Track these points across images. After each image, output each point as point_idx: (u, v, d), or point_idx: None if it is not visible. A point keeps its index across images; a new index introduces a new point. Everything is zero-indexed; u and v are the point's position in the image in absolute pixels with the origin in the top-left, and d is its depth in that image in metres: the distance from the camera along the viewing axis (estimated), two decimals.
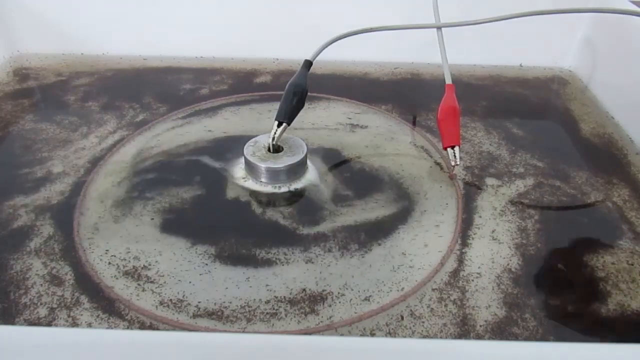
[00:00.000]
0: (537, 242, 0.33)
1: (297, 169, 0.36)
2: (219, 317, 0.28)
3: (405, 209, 0.35)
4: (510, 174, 0.38)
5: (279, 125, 0.36)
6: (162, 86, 0.49)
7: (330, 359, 0.20)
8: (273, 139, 0.36)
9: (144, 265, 0.30)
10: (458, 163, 0.36)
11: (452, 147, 0.36)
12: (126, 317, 0.27)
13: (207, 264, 0.30)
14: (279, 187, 0.36)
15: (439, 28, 0.39)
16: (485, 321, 0.28)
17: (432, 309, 0.28)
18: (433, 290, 0.29)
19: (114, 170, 0.38)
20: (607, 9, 0.39)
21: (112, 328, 0.27)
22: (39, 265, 0.30)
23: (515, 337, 0.27)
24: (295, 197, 0.35)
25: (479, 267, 0.31)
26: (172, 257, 0.31)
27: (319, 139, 0.41)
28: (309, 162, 0.38)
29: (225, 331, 0.27)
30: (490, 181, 0.38)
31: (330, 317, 0.28)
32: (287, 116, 0.36)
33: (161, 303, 0.28)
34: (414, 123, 0.44)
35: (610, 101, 0.47)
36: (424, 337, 0.27)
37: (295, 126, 0.38)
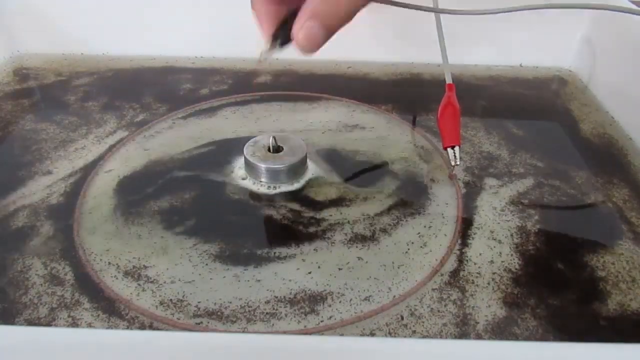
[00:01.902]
0: (537, 242, 0.33)
1: (297, 169, 0.36)
2: (219, 317, 0.28)
3: (405, 209, 0.35)
4: (510, 174, 0.38)
5: (273, 40, 0.30)
6: (162, 86, 0.49)
7: (330, 359, 0.20)
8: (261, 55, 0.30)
9: (144, 265, 0.30)
10: (458, 163, 0.36)
11: (452, 147, 0.36)
12: (126, 317, 0.27)
13: (207, 264, 0.30)
14: (279, 187, 0.36)
15: (437, 13, 0.38)
16: (485, 321, 0.28)
17: (432, 309, 0.28)
18: (433, 290, 0.29)
19: (113, 171, 0.38)
20: (612, 7, 0.39)
21: (112, 328, 0.27)
22: (39, 265, 0.30)
23: (515, 337, 0.27)
24: (295, 197, 0.35)
25: (479, 267, 0.31)
26: (172, 257, 0.31)
27: (319, 139, 0.41)
28: (308, 162, 0.38)
29: (225, 331, 0.27)
30: (490, 181, 0.38)
31: (330, 317, 0.28)
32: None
33: (161, 303, 0.28)
34: (414, 123, 0.44)
35: (610, 101, 0.47)
36: (424, 337, 0.27)
37: (295, 126, 0.38)
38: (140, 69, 0.52)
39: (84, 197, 0.35)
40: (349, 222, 0.34)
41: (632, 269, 0.31)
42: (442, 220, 0.34)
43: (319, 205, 0.35)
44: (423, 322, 0.27)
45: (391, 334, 0.27)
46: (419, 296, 0.29)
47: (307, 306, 0.28)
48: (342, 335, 0.27)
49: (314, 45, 0.27)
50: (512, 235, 0.33)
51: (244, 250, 0.31)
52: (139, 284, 0.29)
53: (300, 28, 0.26)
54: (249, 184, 0.36)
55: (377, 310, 0.28)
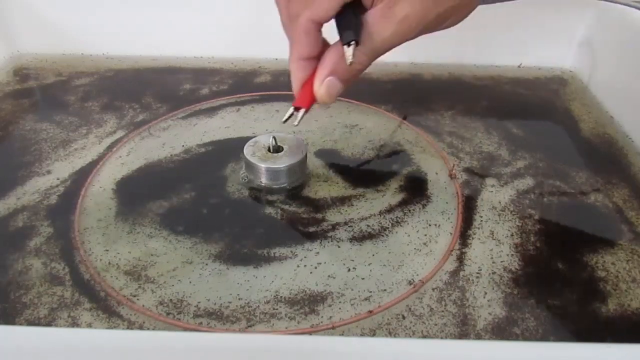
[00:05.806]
0: (537, 242, 0.33)
1: (297, 169, 0.36)
2: (219, 317, 0.28)
3: (405, 208, 0.35)
4: (510, 174, 0.38)
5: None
6: (162, 86, 0.49)
7: (330, 359, 0.20)
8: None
9: (144, 265, 0.30)
10: (296, 124, 0.30)
11: (298, 109, 0.30)
12: (126, 317, 0.27)
13: (207, 264, 0.30)
14: (279, 187, 0.36)
15: None
16: (485, 321, 0.28)
17: (432, 309, 0.28)
18: (433, 290, 0.29)
19: (113, 171, 0.38)
20: None
21: (112, 328, 0.27)
22: (39, 265, 0.30)
23: (515, 337, 0.27)
24: (295, 197, 0.35)
25: (479, 267, 0.31)
26: (172, 257, 0.31)
27: (319, 139, 0.41)
28: (308, 162, 0.38)
29: (225, 331, 0.27)
30: (490, 181, 0.38)
31: (330, 317, 0.28)
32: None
33: (161, 303, 0.28)
34: (413, 123, 0.44)
35: (610, 101, 0.47)
36: (424, 337, 0.27)
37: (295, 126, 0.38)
38: (140, 69, 0.52)
39: (84, 197, 0.35)
40: (349, 222, 0.34)
41: (632, 269, 0.31)
42: (442, 220, 0.34)
43: (318, 205, 0.35)
44: (423, 322, 0.27)
45: (391, 334, 0.27)
46: (419, 296, 0.29)
47: (307, 306, 0.28)
48: (342, 335, 0.27)
49: (333, 97, 0.30)
50: (512, 235, 0.33)
51: (244, 250, 0.31)
52: (139, 284, 0.29)
53: (321, 84, 0.29)
54: (249, 184, 0.36)
55: (377, 310, 0.28)
